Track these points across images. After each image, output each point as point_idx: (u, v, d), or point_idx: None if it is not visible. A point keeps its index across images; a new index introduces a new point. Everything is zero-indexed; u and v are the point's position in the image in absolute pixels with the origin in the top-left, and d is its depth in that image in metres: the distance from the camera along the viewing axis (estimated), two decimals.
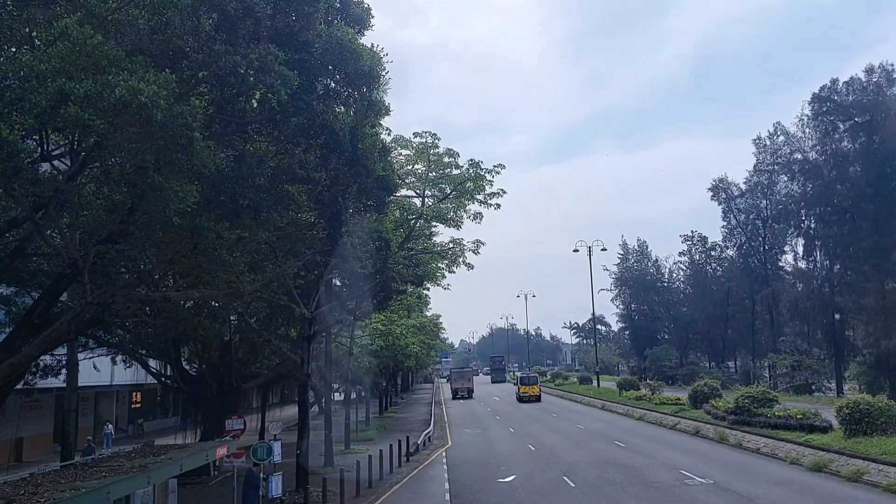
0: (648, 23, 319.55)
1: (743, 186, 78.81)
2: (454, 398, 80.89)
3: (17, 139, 10.17)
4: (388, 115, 19.54)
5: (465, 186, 35.97)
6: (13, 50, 12.03)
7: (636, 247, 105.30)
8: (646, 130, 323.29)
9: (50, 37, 11.02)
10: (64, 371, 23.50)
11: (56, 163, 13.95)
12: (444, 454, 33.39)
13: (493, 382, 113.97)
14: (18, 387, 20.65)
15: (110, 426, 36.23)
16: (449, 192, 36.38)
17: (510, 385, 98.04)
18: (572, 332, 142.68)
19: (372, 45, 16.12)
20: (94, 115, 10.11)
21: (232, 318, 27.82)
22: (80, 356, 24.63)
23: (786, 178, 67.15)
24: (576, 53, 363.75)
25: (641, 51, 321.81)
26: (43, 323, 15.60)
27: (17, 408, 30.93)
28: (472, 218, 37.06)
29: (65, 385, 23.62)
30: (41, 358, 20.54)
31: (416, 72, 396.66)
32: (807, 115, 59.62)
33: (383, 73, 16.41)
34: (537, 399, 69.40)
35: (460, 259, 40.23)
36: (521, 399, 70.00)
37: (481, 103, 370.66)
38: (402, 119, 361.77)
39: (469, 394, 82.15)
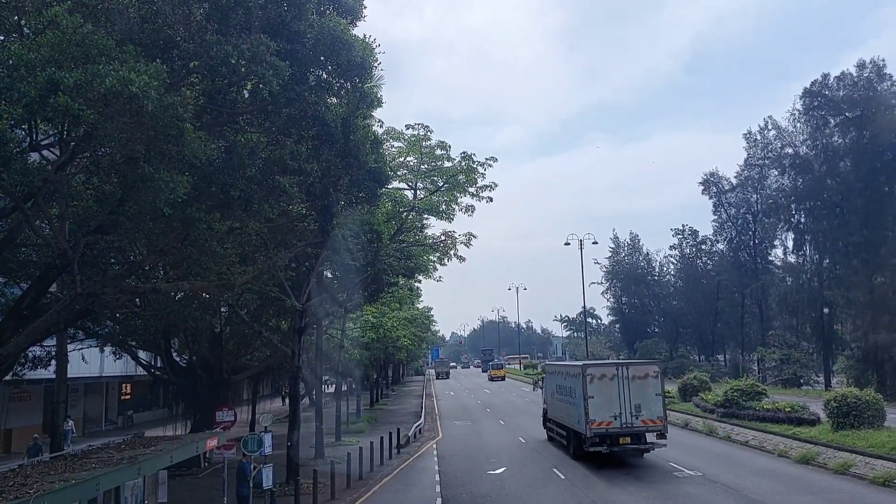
0: (644, 17, 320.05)
1: (734, 180, 79.13)
2: (437, 378, 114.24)
3: (5, 129, 10.09)
4: (381, 106, 19.51)
5: (456, 179, 35.96)
6: (2, 38, 11.91)
7: (627, 240, 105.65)
8: (639, 124, 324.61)
9: (39, 25, 10.92)
10: (53, 362, 23.40)
11: (45, 153, 13.84)
12: (434, 446, 33.45)
13: (483, 371, 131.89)
14: (7, 378, 20.54)
15: (71, 422, 30.80)
16: (441, 184, 36.37)
17: (508, 380, 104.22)
18: (563, 325, 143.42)
19: (364, 35, 16.07)
20: (84, 104, 10.02)
21: (222, 309, 27.75)
22: (70, 347, 24.54)
23: (776, 173, 67.43)
24: (571, 46, 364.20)
25: (637, 45, 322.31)
26: (32, 314, 15.53)
27: (5, 399, 30.82)
28: (463, 210, 37.09)
29: (54, 376, 23.54)
30: (30, 349, 20.43)
31: (410, 63, 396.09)
32: (798, 110, 59.88)
33: (376, 65, 16.35)
34: (502, 379, 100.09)
35: (452, 252, 40.19)
36: (491, 379, 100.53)
37: (476, 95, 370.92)
38: (395, 111, 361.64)
39: (447, 375, 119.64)
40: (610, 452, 25.15)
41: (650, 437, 25.14)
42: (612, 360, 30.79)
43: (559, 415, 29.94)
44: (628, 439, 24.86)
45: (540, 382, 33.20)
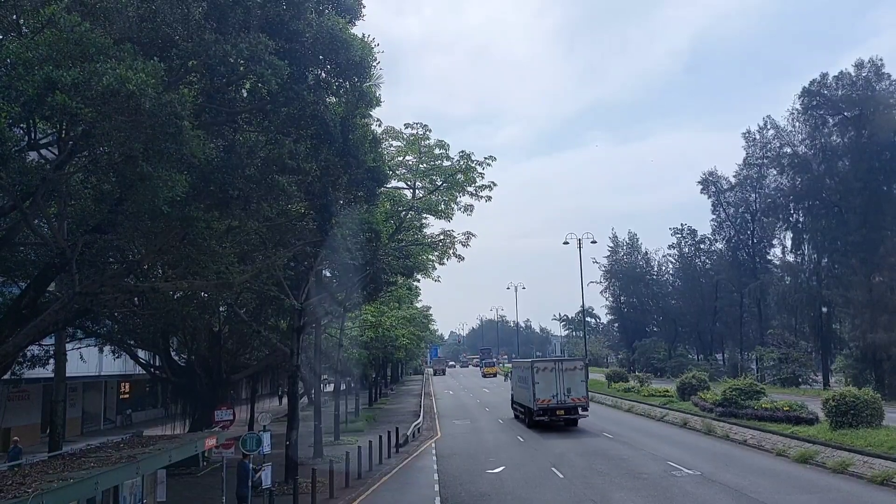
0: (643, 15, 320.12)
1: (732, 180, 79.11)
2: (434, 375, 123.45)
3: (4, 127, 10.07)
4: (379, 105, 19.45)
5: (455, 178, 35.97)
6: (0, 37, 11.89)
7: (626, 239, 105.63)
8: (639, 123, 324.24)
9: (37, 24, 10.91)
10: (52, 361, 23.37)
11: (44, 151, 13.82)
12: (433, 445, 33.46)
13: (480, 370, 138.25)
14: (5, 377, 20.52)
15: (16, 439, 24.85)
16: (440, 183, 36.38)
17: (499, 377, 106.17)
18: (562, 324, 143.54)
19: (363, 35, 16.03)
20: (82, 103, 10.02)
21: (221, 308, 27.70)
22: (68, 346, 24.50)
23: (775, 172, 67.40)
24: (570, 45, 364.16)
25: (636, 44, 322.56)
26: (31, 313, 15.50)
27: (4, 398, 30.80)
28: (462, 210, 37.11)
29: (52, 375, 23.51)
30: (29, 348, 20.41)
31: (409, 61, 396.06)
32: (797, 110, 59.87)
33: (375, 64, 16.33)
34: (494, 375, 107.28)
35: (450, 251, 40.23)
36: (484, 375, 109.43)
37: (475, 94, 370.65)
38: (394, 109, 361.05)
39: (443, 372, 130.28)
40: (550, 420, 36.26)
41: (580, 411, 36.57)
42: (552, 357, 50.69)
43: (520, 397, 41.15)
44: (563, 412, 36.09)
45: (508, 375, 47.84)
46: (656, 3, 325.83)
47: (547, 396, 35.79)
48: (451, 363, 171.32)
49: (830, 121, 56.90)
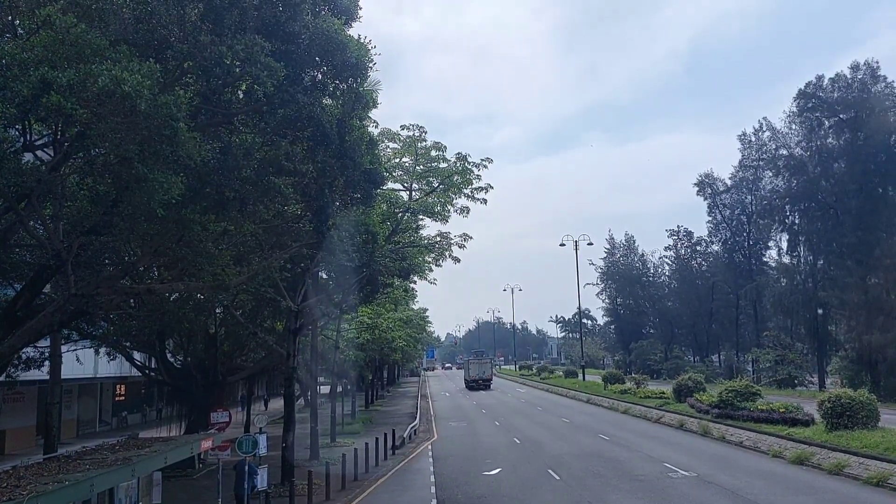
0: (643, 15, 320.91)
1: (728, 182, 79.36)
2: (428, 372, 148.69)
3: None
4: (376, 107, 19.49)
5: (452, 180, 35.89)
6: None
7: (623, 241, 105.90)
8: (637, 124, 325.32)
9: (33, 25, 10.89)
10: (47, 363, 23.30)
11: (39, 153, 13.79)
12: (429, 447, 33.44)
13: None
14: (1, 379, 20.45)
15: None
16: (436, 185, 36.30)
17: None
18: (558, 325, 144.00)
19: (359, 36, 16.01)
20: (78, 104, 9.99)
21: (217, 310, 27.67)
22: (64, 348, 24.42)
23: (771, 174, 67.64)
24: (569, 46, 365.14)
25: (635, 44, 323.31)
26: (26, 315, 15.44)
27: None
28: (458, 212, 37.02)
29: (48, 377, 23.44)
30: (24, 350, 20.33)
31: (408, 62, 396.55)
32: (793, 112, 60.08)
33: (371, 66, 16.30)
34: None
35: (447, 253, 40.18)
36: None
37: (474, 94, 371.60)
38: (394, 110, 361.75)
39: (433, 370, 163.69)
40: (476, 385, 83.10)
41: (490, 382, 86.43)
42: (477, 358, 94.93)
43: (465, 375, 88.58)
44: (481, 381, 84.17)
45: (461, 366, 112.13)
46: (656, 3, 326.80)
47: (474, 375, 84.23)
48: (447, 364, 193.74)
49: (826, 123, 57.09)
